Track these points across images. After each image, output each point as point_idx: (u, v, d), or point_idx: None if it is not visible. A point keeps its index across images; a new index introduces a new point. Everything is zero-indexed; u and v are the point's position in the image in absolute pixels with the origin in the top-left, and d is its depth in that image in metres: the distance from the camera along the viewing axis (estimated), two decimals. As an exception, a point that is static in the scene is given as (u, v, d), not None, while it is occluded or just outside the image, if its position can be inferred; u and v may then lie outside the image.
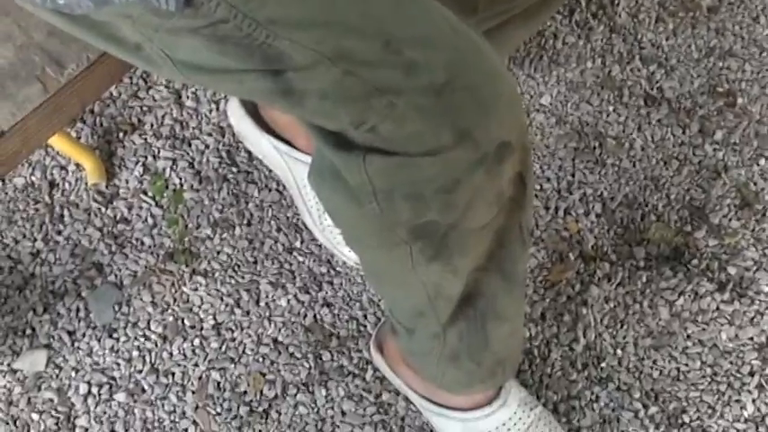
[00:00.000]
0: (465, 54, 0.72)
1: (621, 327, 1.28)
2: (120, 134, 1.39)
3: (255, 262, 1.31)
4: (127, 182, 1.35)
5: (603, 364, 1.25)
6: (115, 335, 1.25)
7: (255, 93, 0.75)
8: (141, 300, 1.27)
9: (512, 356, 1.09)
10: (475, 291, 0.93)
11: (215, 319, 1.27)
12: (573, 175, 1.39)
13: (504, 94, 0.75)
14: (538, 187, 1.37)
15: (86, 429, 1.20)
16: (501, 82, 0.75)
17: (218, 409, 1.21)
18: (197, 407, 1.21)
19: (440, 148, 0.72)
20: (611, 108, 1.45)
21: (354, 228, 0.88)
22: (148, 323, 1.26)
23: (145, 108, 1.41)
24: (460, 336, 0.98)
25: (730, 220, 1.36)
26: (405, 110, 0.70)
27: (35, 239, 1.31)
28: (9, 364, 1.23)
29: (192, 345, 1.25)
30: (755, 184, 1.39)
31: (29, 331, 1.25)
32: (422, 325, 1.00)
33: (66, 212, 1.33)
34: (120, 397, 1.22)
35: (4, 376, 1.22)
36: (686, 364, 1.25)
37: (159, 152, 1.38)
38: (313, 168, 0.86)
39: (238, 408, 1.21)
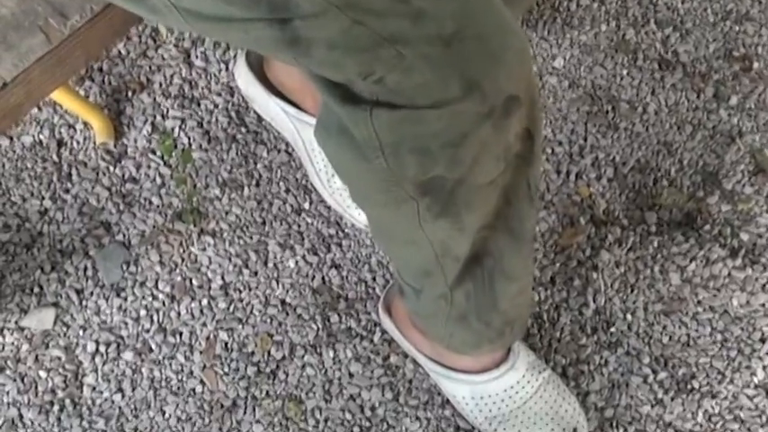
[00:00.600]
0: (474, 4, 0.71)
1: (632, 292, 1.27)
2: (129, 93, 1.38)
3: (264, 223, 1.30)
4: (135, 141, 1.35)
5: (613, 329, 1.24)
6: (123, 294, 1.25)
7: (261, 42, 0.74)
8: (149, 259, 1.27)
9: (520, 316, 1.08)
10: (482, 250, 0.92)
11: (223, 279, 1.26)
12: (585, 139, 1.37)
13: (513, 46, 0.73)
14: (549, 151, 1.36)
15: (94, 388, 1.20)
16: (511, 35, 0.74)
17: (226, 369, 1.21)
18: (204, 366, 1.21)
19: (447, 100, 0.71)
20: (624, 72, 1.43)
21: (361, 184, 0.87)
22: (156, 283, 1.26)
23: (154, 67, 1.40)
24: (468, 296, 0.97)
25: (744, 186, 1.34)
26: (413, 60, 0.69)
27: (43, 198, 1.31)
28: (17, 322, 1.23)
29: (200, 305, 1.25)
30: (770, 149, 1.38)
31: (36, 289, 1.25)
32: (429, 285, 0.99)
33: (74, 171, 1.32)
34: (128, 356, 1.22)
35: (12, 334, 1.23)
36: (696, 330, 1.25)
37: (168, 112, 1.37)
38: (319, 124, 0.85)
39: (246, 368, 1.21)
